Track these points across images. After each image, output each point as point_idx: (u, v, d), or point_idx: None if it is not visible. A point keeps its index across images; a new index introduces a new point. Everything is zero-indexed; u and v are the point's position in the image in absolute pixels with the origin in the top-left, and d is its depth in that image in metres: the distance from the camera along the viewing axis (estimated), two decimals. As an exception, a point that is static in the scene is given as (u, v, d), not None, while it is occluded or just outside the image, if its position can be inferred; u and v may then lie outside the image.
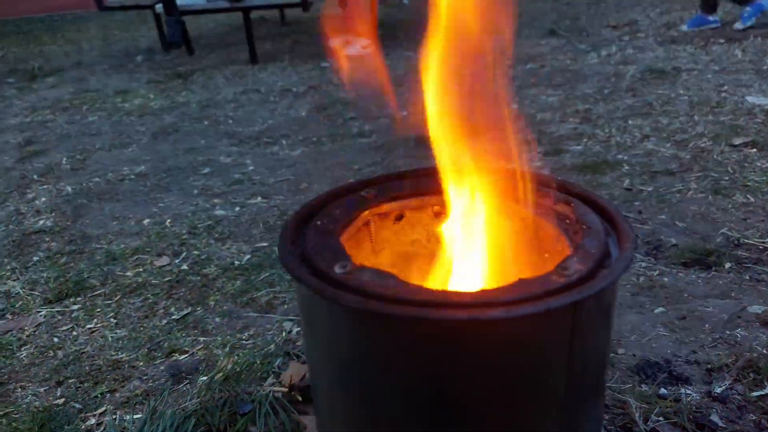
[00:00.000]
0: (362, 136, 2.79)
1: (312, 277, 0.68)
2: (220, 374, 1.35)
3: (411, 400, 0.69)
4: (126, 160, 2.74)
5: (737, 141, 2.38)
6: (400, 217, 0.91)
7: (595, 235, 0.72)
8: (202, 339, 1.50)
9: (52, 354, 1.50)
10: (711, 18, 4.09)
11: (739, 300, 1.49)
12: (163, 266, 1.84)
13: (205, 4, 4.42)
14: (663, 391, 1.23)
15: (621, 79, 3.30)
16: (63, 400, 1.34)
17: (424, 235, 0.92)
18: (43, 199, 2.38)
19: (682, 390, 1.22)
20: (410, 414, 0.70)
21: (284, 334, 1.49)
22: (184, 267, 1.82)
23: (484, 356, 0.65)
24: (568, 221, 0.77)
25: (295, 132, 2.93)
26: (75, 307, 1.68)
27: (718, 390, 1.22)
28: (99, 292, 1.74)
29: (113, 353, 1.48)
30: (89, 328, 1.58)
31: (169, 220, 2.13)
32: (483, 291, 0.64)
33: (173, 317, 1.60)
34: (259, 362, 1.38)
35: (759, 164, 2.18)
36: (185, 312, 1.61)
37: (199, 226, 2.07)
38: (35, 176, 2.61)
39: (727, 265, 1.62)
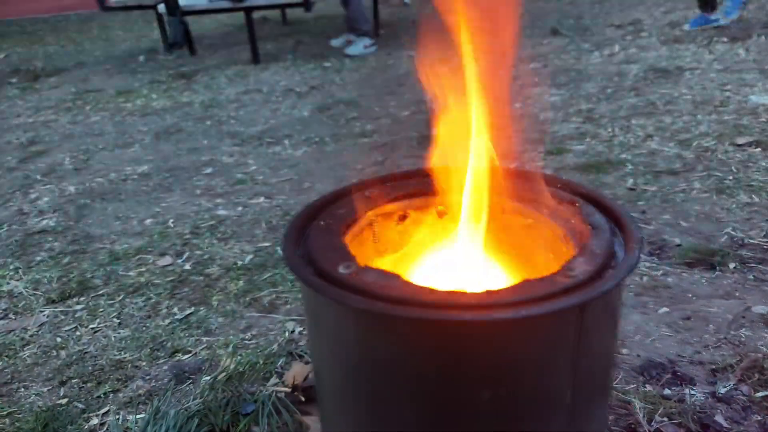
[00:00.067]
0: (364, 136, 2.79)
1: (316, 277, 0.68)
2: (223, 374, 1.35)
3: (416, 400, 0.68)
4: (128, 160, 2.74)
5: (741, 140, 2.38)
6: (403, 217, 0.90)
7: (600, 236, 0.72)
8: (204, 339, 1.50)
9: (55, 354, 1.50)
10: (713, 17, 4.07)
11: (744, 300, 1.48)
12: (166, 266, 1.84)
13: (207, 4, 4.42)
14: (667, 391, 1.22)
15: (624, 78, 3.29)
16: (66, 400, 1.34)
17: (428, 235, 0.92)
18: (46, 199, 2.39)
19: (687, 390, 1.22)
20: (415, 415, 0.69)
21: (287, 334, 1.49)
22: (187, 267, 1.82)
23: (490, 357, 0.65)
24: (573, 221, 0.77)
25: (297, 132, 2.93)
26: (78, 306, 1.68)
27: (723, 390, 1.21)
28: (102, 291, 1.74)
29: (116, 353, 1.48)
30: (92, 328, 1.58)
31: (171, 220, 2.13)
32: (488, 292, 0.64)
33: (176, 317, 1.59)
34: (261, 362, 1.38)
35: (763, 164, 2.18)
36: (188, 312, 1.61)
37: (201, 226, 2.07)
38: (38, 176, 2.62)
39: (732, 265, 1.61)
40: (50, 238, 2.07)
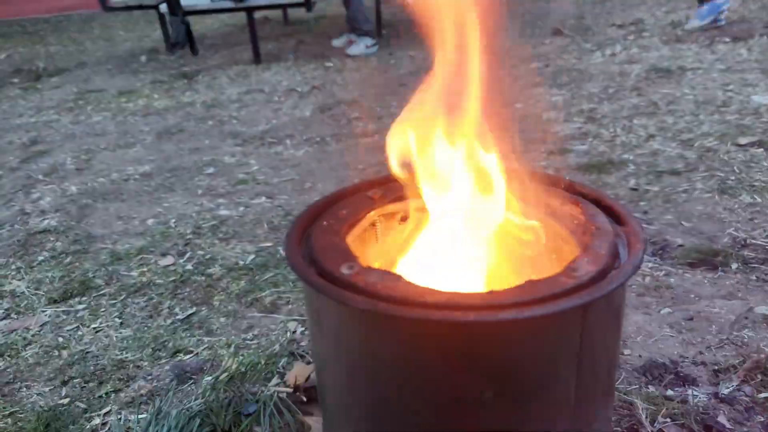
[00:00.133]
0: (366, 136, 2.79)
1: (319, 277, 0.67)
2: (225, 374, 1.35)
3: (418, 401, 0.68)
4: (130, 160, 2.74)
5: (743, 140, 2.37)
6: (406, 218, 0.90)
7: (604, 236, 0.72)
8: (206, 339, 1.50)
9: (56, 354, 1.50)
10: (719, 1, 3.90)
11: (746, 300, 1.48)
12: (168, 266, 1.84)
13: (209, 4, 4.42)
14: (669, 392, 1.22)
15: (626, 78, 3.28)
16: (68, 399, 1.34)
17: (429, 235, 0.92)
18: (48, 198, 2.39)
19: (689, 391, 1.22)
20: (418, 415, 0.69)
21: (288, 334, 1.49)
22: (189, 267, 1.82)
23: (493, 358, 0.65)
24: (576, 222, 0.77)
25: (299, 132, 2.93)
26: (80, 306, 1.68)
27: (725, 391, 1.21)
28: (104, 291, 1.74)
29: (118, 353, 1.48)
30: (94, 328, 1.58)
31: (173, 220, 2.13)
32: (491, 292, 0.64)
33: (178, 317, 1.59)
34: (263, 362, 1.38)
35: (765, 164, 2.17)
36: (190, 312, 1.61)
37: (203, 226, 2.07)
38: (40, 176, 2.62)
39: (734, 266, 1.61)
40: (52, 238, 2.07)
